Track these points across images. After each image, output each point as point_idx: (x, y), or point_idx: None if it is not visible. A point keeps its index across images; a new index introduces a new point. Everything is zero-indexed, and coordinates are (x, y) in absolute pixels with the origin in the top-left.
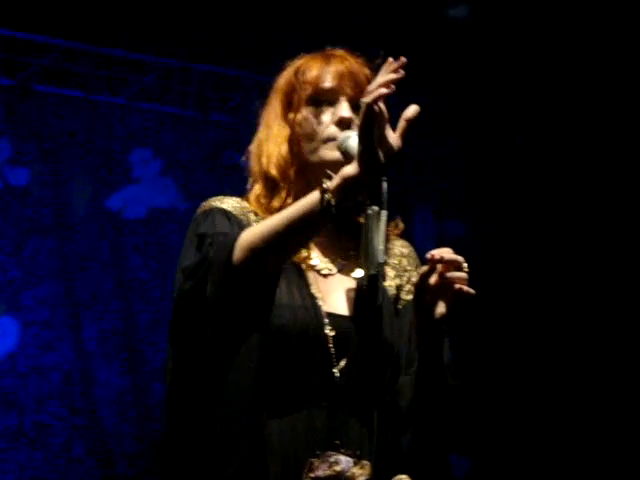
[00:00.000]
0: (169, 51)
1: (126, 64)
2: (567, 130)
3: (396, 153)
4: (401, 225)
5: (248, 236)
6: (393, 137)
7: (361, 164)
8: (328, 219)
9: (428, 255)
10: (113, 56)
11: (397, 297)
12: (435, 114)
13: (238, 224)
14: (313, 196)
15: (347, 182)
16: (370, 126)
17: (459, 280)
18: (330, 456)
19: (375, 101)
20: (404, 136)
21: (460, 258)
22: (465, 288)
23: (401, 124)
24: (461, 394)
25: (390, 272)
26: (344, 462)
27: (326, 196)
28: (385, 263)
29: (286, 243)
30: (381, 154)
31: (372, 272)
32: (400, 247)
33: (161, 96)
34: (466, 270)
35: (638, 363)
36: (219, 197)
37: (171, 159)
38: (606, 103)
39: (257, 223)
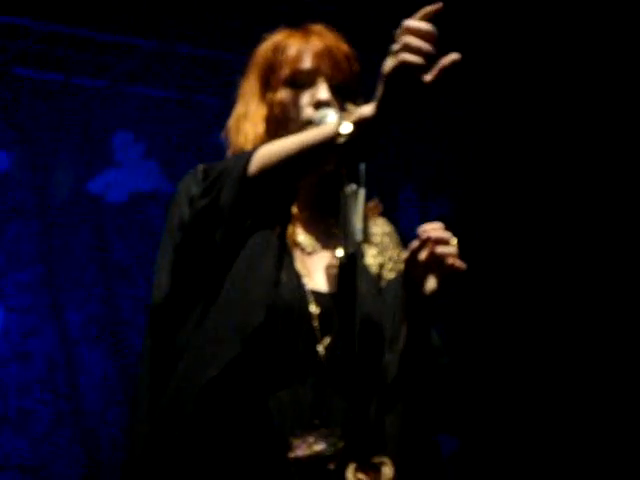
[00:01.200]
0: (151, 33)
1: (107, 47)
2: (555, 112)
3: (422, 100)
4: (380, 206)
5: (264, 152)
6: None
7: (378, 107)
8: (338, 152)
9: (419, 230)
10: (94, 39)
11: (379, 275)
12: None
13: None
14: (329, 126)
15: (362, 121)
16: (398, 75)
17: (450, 255)
18: (310, 435)
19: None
20: (435, 81)
21: (448, 235)
22: (457, 263)
23: (435, 70)
24: (449, 373)
25: (372, 250)
26: (323, 442)
27: (341, 128)
28: (365, 240)
29: (297, 165)
30: (404, 100)
31: (350, 251)
32: (381, 225)
33: (143, 78)
34: (455, 245)
35: (629, 351)
36: None
37: (154, 142)
38: (598, 90)
39: None
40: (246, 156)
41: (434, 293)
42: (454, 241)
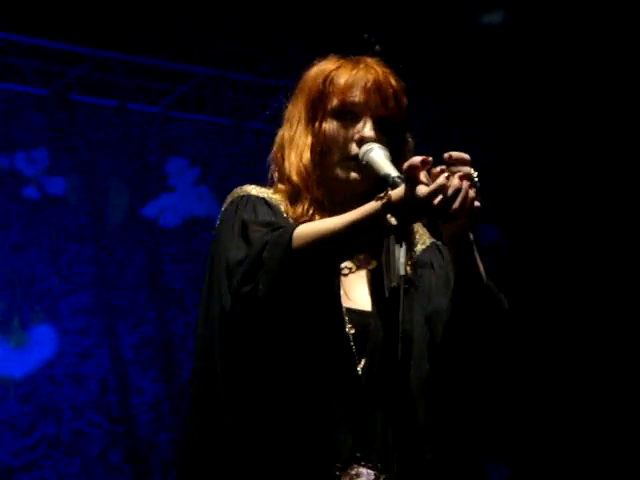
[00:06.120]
0: (204, 60)
1: (162, 73)
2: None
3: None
4: None
5: (306, 233)
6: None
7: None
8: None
9: (446, 155)
10: (149, 65)
11: (408, 277)
12: (468, 119)
13: (278, 213)
14: (374, 210)
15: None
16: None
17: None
18: (352, 469)
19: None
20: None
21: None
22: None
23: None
24: (504, 309)
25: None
26: (365, 475)
27: (390, 220)
28: (406, 276)
29: (345, 247)
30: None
31: (393, 284)
32: (421, 236)
33: (197, 105)
34: (475, 178)
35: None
36: (252, 186)
37: (207, 167)
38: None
39: (287, 217)
40: (285, 237)
41: (462, 228)
42: (475, 174)
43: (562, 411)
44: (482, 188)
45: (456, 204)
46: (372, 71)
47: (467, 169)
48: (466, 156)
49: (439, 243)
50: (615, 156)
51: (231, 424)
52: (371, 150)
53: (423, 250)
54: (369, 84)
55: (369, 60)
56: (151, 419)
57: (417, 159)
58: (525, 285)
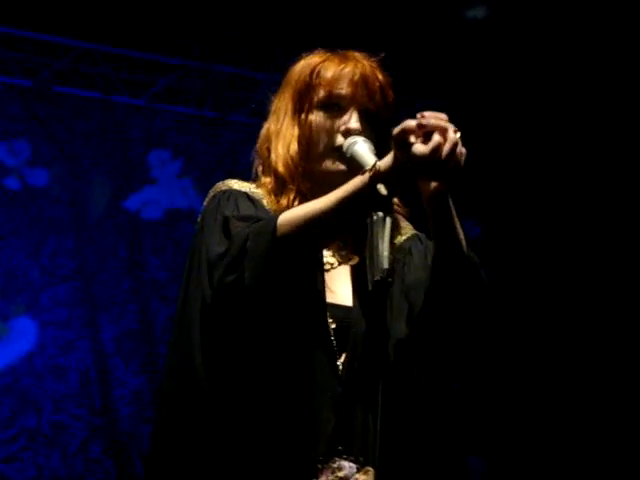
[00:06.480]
0: (188, 52)
1: (144, 65)
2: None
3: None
4: (407, 210)
5: (291, 219)
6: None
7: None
8: (376, 204)
9: (418, 115)
10: (131, 57)
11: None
12: (449, 113)
13: (261, 207)
14: (362, 184)
15: (390, 177)
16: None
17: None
18: (333, 462)
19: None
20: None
21: (450, 125)
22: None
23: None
24: (484, 280)
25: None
26: (347, 468)
27: (379, 190)
28: (390, 269)
29: (333, 225)
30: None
31: (377, 278)
32: (405, 228)
33: (180, 97)
34: (458, 137)
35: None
36: (234, 180)
37: (190, 160)
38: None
39: (269, 212)
40: (270, 226)
41: (439, 191)
42: (458, 133)
43: (539, 405)
44: (462, 184)
45: (455, 158)
46: (359, 65)
47: (452, 126)
48: (443, 115)
49: (421, 235)
50: (595, 149)
51: (211, 417)
52: (355, 143)
53: (405, 240)
54: (356, 77)
55: (356, 54)
56: (132, 411)
57: (412, 122)
58: (506, 280)
